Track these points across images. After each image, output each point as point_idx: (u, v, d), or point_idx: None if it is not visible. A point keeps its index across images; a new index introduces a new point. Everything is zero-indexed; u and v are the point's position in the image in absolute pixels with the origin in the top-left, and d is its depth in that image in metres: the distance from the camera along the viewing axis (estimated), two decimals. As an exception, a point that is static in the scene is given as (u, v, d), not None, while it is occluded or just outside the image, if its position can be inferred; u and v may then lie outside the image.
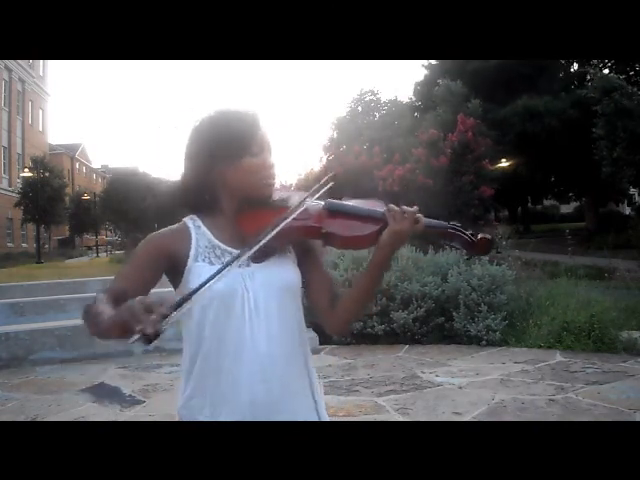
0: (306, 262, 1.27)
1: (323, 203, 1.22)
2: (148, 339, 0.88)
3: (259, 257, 1.18)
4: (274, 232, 1.11)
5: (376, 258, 1.19)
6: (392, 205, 1.18)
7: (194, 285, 1.05)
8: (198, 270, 1.15)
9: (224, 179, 1.20)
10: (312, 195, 1.20)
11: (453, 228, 1.19)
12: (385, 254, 1.19)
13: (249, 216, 1.20)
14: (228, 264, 1.07)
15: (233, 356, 1.15)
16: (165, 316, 0.90)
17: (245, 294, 1.16)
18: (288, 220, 1.14)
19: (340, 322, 1.27)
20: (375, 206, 1.22)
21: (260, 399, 1.15)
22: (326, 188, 1.22)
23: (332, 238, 1.19)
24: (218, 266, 1.14)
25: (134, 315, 0.89)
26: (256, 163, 1.19)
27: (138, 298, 0.93)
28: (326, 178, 1.24)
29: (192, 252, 1.18)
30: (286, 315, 1.20)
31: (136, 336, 0.88)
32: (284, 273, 1.21)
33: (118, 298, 1.07)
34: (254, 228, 1.17)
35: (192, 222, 1.23)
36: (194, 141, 1.23)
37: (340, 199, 1.24)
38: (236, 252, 1.18)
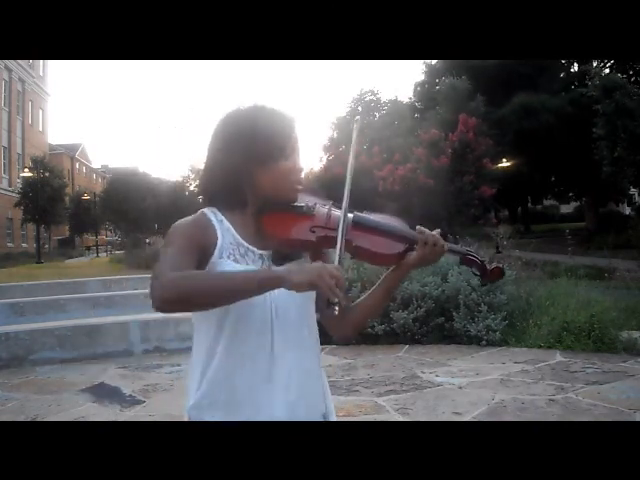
0: None
1: (352, 216, 1.21)
2: (341, 310, 1.02)
3: (280, 260, 1.18)
4: (342, 242, 1.13)
5: (396, 275, 1.23)
6: (423, 228, 1.20)
7: None
8: (223, 267, 1.12)
9: (255, 178, 1.17)
10: (346, 204, 1.19)
11: (470, 255, 1.24)
12: (406, 272, 1.23)
13: (275, 218, 1.18)
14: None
15: (252, 357, 1.14)
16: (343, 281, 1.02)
17: (268, 295, 1.13)
18: (342, 231, 1.14)
19: (349, 330, 1.30)
20: (401, 225, 1.24)
21: (278, 403, 1.15)
22: (356, 133, 1.28)
23: (361, 252, 1.19)
24: (244, 265, 1.14)
25: (329, 287, 1.00)
26: (289, 166, 1.18)
27: (320, 265, 1.03)
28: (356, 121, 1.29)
29: (218, 246, 1.14)
30: (305, 318, 1.21)
31: (335, 310, 1.01)
32: None
33: None
34: (279, 230, 1.17)
35: (214, 215, 1.17)
36: (229, 138, 1.18)
37: (362, 212, 1.24)
38: (258, 252, 1.17)
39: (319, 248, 1.21)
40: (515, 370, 4.54)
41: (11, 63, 32.80)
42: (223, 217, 1.18)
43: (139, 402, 4.09)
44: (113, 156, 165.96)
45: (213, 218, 1.17)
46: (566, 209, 42.18)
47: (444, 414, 3.56)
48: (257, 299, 1.11)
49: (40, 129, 39.74)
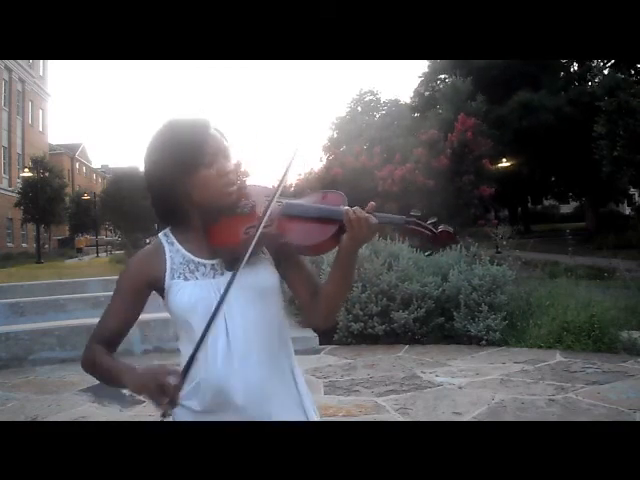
0: (282, 260, 1.26)
1: (283, 204, 1.20)
2: (168, 415, 1.02)
3: (231, 265, 1.19)
4: (252, 245, 1.13)
5: (340, 259, 1.18)
6: (348, 208, 1.14)
7: (174, 302, 1.16)
8: (175, 287, 1.18)
9: (185, 193, 1.19)
10: (275, 198, 1.19)
11: (412, 223, 1.13)
12: (347, 255, 1.17)
13: (217, 227, 1.20)
14: (222, 299, 1.12)
15: (215, 363, 1.17)
16: (178, 389, 1.02)
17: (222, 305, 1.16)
18: (260, 230, 1.14)
19: (321, 315, 1.26)
20: (335, 203, 1.18)
21: (245, 403, 1.16)
22: (292, 160, 1.22)
23: (291, 247, 1.18)
24: (192, 281, 1.18)
25: (153, 398, 1.02)
26: (210, 174, 1.18)
27: (151, 376, 1.04)
28: (284, 175, 1.22)
29: (168, 271, 1.20)
30: (265, 318, 1.21)
31: (161, 416, 1.01)
32: (258, 276, 1.21)
33: (112, 342, 1.20)
34: (223, 239, 1.18)
35: (166, 239, 1.24)
36: (151, 158, 1.21)
37: (305, 196, 1.24)
38: (209, 263, 1.20)
39: (261, 245, 1.20)
40: (515, 370, 4.54)
41: (11, 63, 32.78)
42: (174, 239, 1.23)
43: (139, 402, 4.09)
44: (113, 156, 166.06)
45: (164, 242, 1.23)
46: (566, 209, 42.18)
47: (444, 414, 3.56)
48: (212, 310, 1.14)
49: (40, 129, 39.71)
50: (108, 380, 1.17)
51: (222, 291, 1.16)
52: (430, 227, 1.12)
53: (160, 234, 1.25)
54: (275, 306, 1.24)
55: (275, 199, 1.18)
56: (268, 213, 1.15)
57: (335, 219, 1.14)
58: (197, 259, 1.20)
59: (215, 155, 1.19)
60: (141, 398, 4.14)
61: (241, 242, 1.16)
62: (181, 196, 1.19)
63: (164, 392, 1.00)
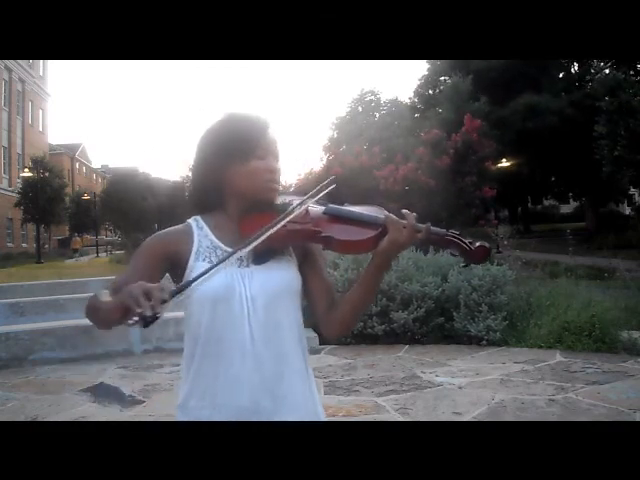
0: (306, 267, 1.27)
1: (324, 207, 1.23)
2: (145, 321, 0.94)
3: (259, 258, 1.19)
4: (269, 232, 1.13)
5: (373, 264, 1.19)
6: (392, 215, 1.17)
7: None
8: (198, 269, 1.15)
9: (230, 180, 1.22)
10: (311, 198, 1.21)
11: (451, 235, 1.19)
12: (382, 261, 1.18)
13: (251, 218, 1.21)
14: (225, 258, 1.10)
15: (231, 357, 1.15)
16: (164, 301, 0.96)
17: (243, 294, 1.17)
18: (284, 222, 1.15)
19: (336, 326, 1.26)
20: (376, 212, 1.21)
21: (261, 403, 1.16)
22: (326, 191, 1.23)
23: (331, 242, 1.19)
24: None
25: (134, 298, 0.95)
26: (261, 166, 1.21)
27: (139, 283, 0.98)
28: (327, 181, 1.25)
29: (193, 252, 1.20)
30: (285, 316, 1.21)
31: (135, 318, 0.94)
32: (283, 275, 1.21)
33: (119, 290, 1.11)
34: (254, 230, 1.17)
35: (195, 223, 1.25)
36: (205, 142, 1.26)
37: (342, 204, 1.25)
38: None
39: (296, 241, 1.23)
40: (515, 370, 4.54)
41: (11, 63, 32.78)
42: (204, 224, 1.25)
43: (139, 402, 4.09)
44: (113, 156, 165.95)
45: (194, 225, 1.25)
46: (566, 209, 42.18)
47: (444, 414, 3.56)
48: (233, 299, 1.15)
49: (40, 129, 39.71)
50: (105, 312, 1.08)
51: (246, 282, 1.17)
52: (467, 242, 1.18)
53: (190, 219, 1.27)
54: (295, 305, 1.24)
55: (311, 197, 1.20)
56: (302, 208, 1.18)
57: (378, 223, 1.17)
58: (225, 247, 1.20)
59: (268, 151, 1.23)
60: (141, 398, 4.15)
61: (273, 236, 1.16)
62: (225, 182, 1.22)
63: (148, 297, 0.95)
